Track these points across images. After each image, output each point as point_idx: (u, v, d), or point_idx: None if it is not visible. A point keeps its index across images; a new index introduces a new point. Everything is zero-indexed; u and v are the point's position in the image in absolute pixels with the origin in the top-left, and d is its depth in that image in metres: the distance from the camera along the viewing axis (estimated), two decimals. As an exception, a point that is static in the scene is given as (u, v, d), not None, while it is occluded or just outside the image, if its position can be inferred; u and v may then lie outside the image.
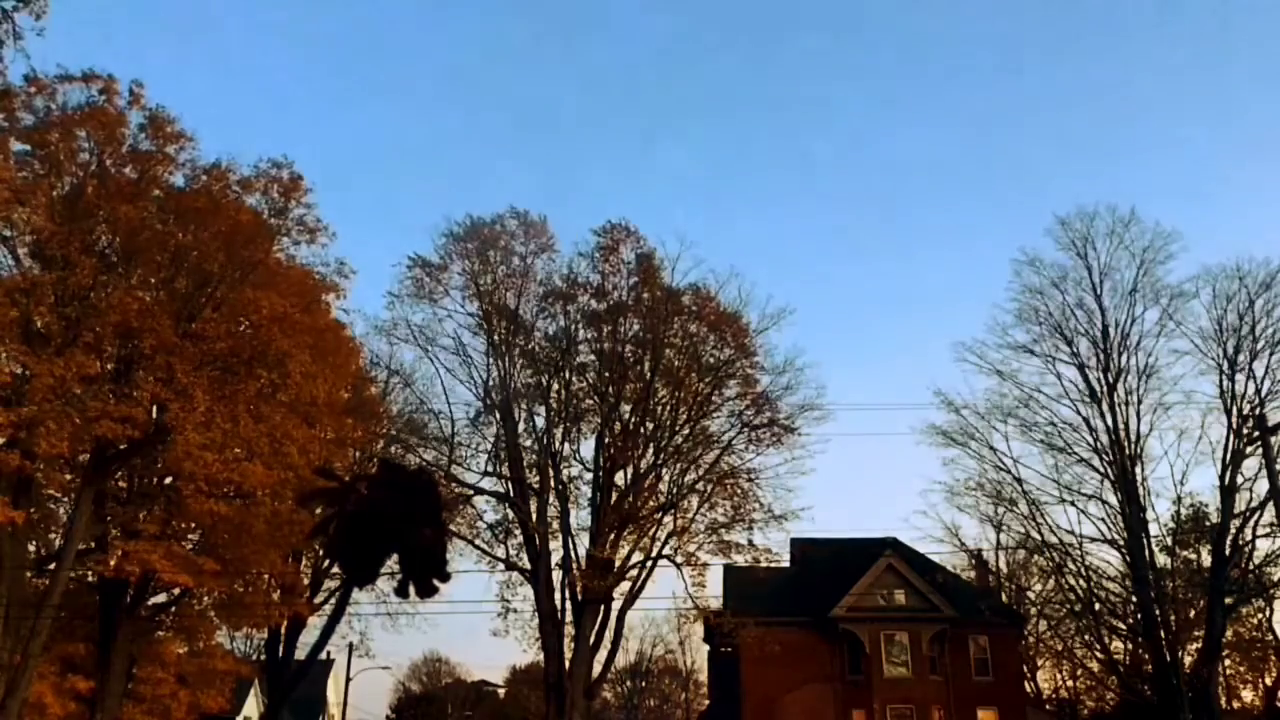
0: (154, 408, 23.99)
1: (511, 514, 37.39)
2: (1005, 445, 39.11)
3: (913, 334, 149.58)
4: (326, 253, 28.18)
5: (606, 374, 37.81)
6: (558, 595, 36.46)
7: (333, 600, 36.13)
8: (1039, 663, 52.93)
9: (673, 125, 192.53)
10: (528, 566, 36.22)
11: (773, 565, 38.77)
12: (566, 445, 38.24)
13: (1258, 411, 34.47)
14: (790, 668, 41.25)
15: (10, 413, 21.22)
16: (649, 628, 75.63)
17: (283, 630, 36.14)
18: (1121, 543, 37.10)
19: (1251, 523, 36.04)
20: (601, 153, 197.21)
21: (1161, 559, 37.94)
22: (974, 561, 47.62)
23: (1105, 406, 37.92)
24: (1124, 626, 38.46)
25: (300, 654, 37.70)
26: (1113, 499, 37.47)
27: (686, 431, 38.02)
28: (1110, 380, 38.09)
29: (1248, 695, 49.24)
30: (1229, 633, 41.34)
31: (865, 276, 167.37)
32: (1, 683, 22.22)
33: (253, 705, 49.03)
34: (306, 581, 35.87)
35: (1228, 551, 36.03)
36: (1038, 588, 49.27)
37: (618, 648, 40.09)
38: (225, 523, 25.45)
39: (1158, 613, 36.26)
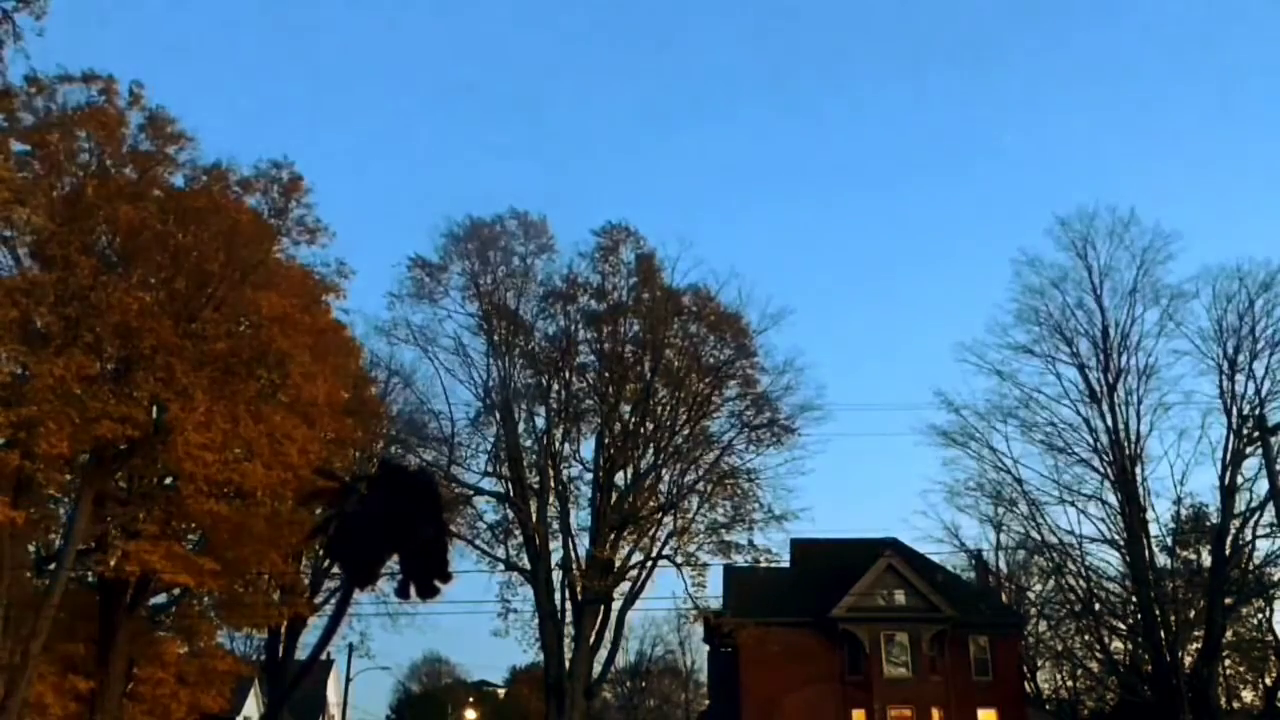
0: (154, 408, 23.96)
1: (511, 514, 37.41)
2: (1005, 446, 39.23)
3: (913, 334, 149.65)
4: (326, 253, 28.18)
5: (606, 374, 37.84)
6: (558, 595, 36.51)
7: (333, 600, 36.13)
8: (1039, 663, 52.93)
9: (671, 125, 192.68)
10: (528, 567, 36.23)
11: (773, 565, 38.83)
12: (566, 445, 38.35)
13: (1258, 412, 34.56)
14: (790, 668, 41.26)
15: (10, 413, 21.19)
16: (649, 628, 75.52)
17: (283, 630, 36.16)
18: (1121, 543, 37.14)
19: (1251, 523, 36.12)
20: (602, 152, 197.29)
21: (1161, 559, 38.05)
22: (974, 561, 47.65)
23: (1105, 407, 37.98)
24: (1124, 626, 38.51)
25: (300, 654, 37.72)
26: (1113, 499, 37.55)
27: (686, 432, 38.07)
28: (1110, 380, 38.13)
29: (1248, 695, 49.21)
30: (1229, 633, 41.33)
31: (866, 276, 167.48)
32: (1, 683, 22.20)
33: (253, 705, 49.02)
34: (307, 581, 35.86)
35: (1228, 552, 36.08)
36: (1038, 588, 49.34)
37: (618, 648, 40.22)
38: (225, 523, 25.40)
39: (1158, 613, 36.30)
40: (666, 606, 71.49)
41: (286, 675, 37.30)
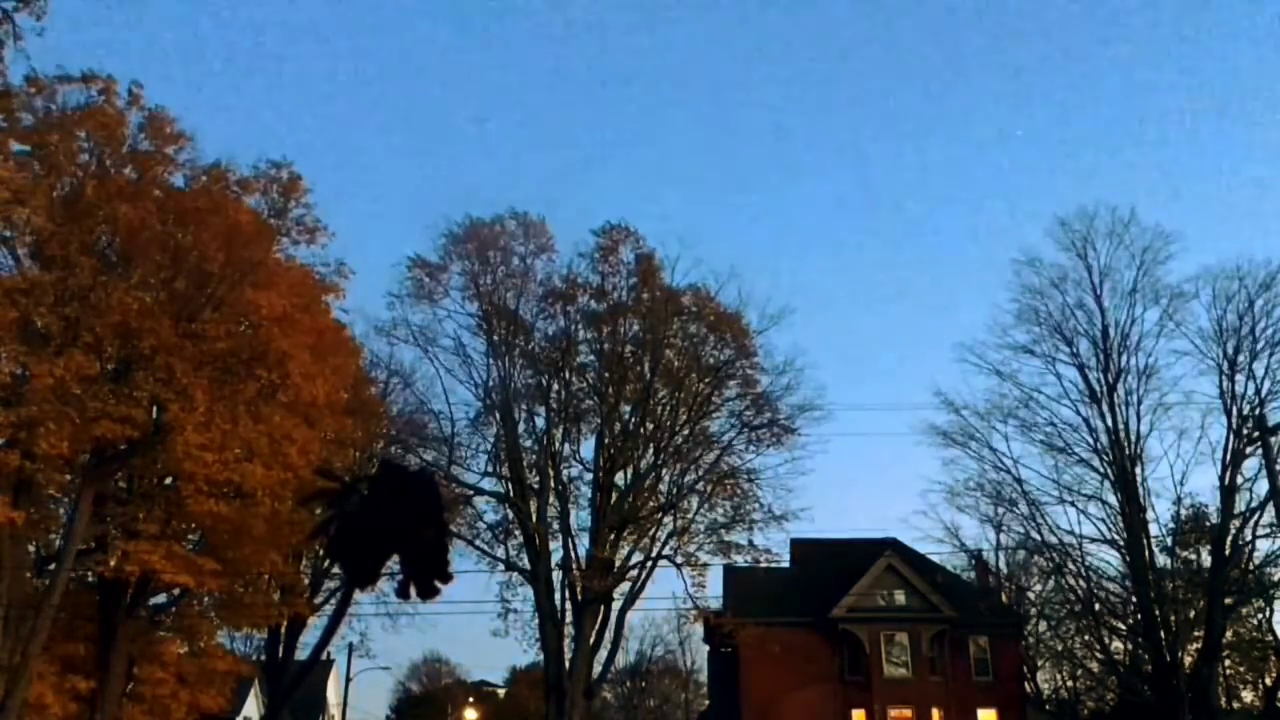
0: (154, 408, 23.95)
1: (512, 514, 37.42)
2: (1005, 446, 39.19)
3: (913, 334, 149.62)
4: (326, 253, 28.19)
5: (606, 374, 37.82)
6: (558, 595, 36.50)
7: (333, 600, 36.13)
8: (1039, 663, 52.90)
9: (671, 125, 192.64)
10: (528, 567, 36.22)
11: (773, 565, 38.81)
12: (566, 445, 38.34)
13: (1258, 412, 34.54)
14: (790, 668, 41.25)
15: (10, 413, 21.19)
16: (649, 628, 75.48)
17: (283, 630, 36.12)
18: (1121, 543, 37.12)
19: (1251, 523, 36.10)
20: (602, 153, 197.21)
21: (1161, 559, 37.99)
22: (974, 562, 47.61)
23: (1105, 407, 37.95)
24: (1124, 626, 38.49)
25: (300, 654, 37.70)
26: (1113, 499, 37.52)
27: (686, 432, 38.05)
28: (1110, 380, 38.11)
29: (1248, 695, 49.19)
30: (1229, 633, 41.30)
31: (865, 276, 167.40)
32: (1, 683, 22.19)
33: (253, 705, 48.97)
34: (307, 581, 35.84)
35: (1228, 552, 36.05)
36: (1038, 588, 49.34)
37: (618, 648, 40.20)
38: (225, 523, 25.39)
39: (1158, 613, 36.28)
40: (666, 606, 71.56)
41: (286, 675, 37.27)
